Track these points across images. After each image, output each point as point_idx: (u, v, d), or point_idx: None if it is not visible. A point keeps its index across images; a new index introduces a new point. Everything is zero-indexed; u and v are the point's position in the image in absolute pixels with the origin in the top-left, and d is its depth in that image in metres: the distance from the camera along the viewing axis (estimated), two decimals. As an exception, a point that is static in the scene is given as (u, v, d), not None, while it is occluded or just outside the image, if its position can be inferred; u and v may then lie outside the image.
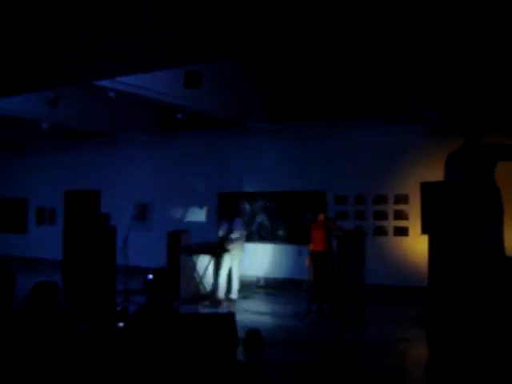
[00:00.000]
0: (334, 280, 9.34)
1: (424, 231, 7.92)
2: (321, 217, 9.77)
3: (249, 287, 12.72)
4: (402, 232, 11.86)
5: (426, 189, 7.98)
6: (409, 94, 9.68)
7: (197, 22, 6.57)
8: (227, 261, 10.91)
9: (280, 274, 13.22)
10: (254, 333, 7.49)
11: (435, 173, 11.07)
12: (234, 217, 11.20)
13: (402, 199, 11.89)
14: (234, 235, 10.88)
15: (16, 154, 17.20)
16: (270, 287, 13.11)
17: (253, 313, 9.98)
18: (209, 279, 11.32)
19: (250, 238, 13.44)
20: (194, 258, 11.07)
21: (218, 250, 10.74)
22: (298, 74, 11.69)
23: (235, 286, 11.00)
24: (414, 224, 11.13)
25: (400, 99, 10.03)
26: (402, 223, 11.88)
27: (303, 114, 12.87)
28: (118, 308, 9.62)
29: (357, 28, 6.85)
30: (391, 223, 12.03)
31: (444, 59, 8.95)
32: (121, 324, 8.21)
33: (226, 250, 10.79)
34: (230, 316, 4.34)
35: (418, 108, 10.55)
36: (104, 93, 9.51)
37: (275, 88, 12.64)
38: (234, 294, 11.00)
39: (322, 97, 12.28)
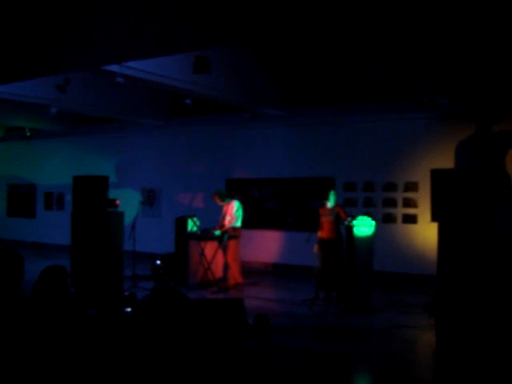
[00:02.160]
0: (343, 267, 9.31)
1: (434, 219, 7.86)
2: (327, 197, 9.56)
3: (257, 274, 12.73)
4: (411, 219, 11.81)
5: (437, 176, 7.89)
6: (420, 81, 9.58)
7: (207, 6, 6.51)
8: (232, 246, 10.91)
9: (288, 260, 13.22)
10: (262, 318, 7.50)
11: (445, 160, 11.01)
12: (230, 200, 11.17)
13: (412, 187, 11.82)
14: (228, 219, 10.89)
15: (24, 139, 17.21)
16: (278, 274, 13.12)
17: (261, 299, 9.99)
18: (217, 265, 11.33)
19: (258, 225, 13.45)
20: (202, 243, 11.06)
21: (223, 236, 10.73)
22: (308, 60, 11.62)
23: (238, 271, 10.99)
24: (423, 212, 11.10)
25: (411, 86, 9.93)
26: (411, 211, 11.83)
27: (312, 100, 12.80)
28: (126, 293, 9.66)
29: (368, 13, 6.77)
30: (400, 210, 11.99)
31: (456, 45, 8.85)
32: (128, 309, 8.24)
33: (232, 236, 10.79)
34: (239, 301, 4.31)
35: (428, 95, 10.46)
36: (112, 78, 9.47)
37: (285, 73, 12.56)
38: (241, 280, 11.01)
39: (332, 83, 12.19)
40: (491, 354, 6.66)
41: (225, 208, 11.09)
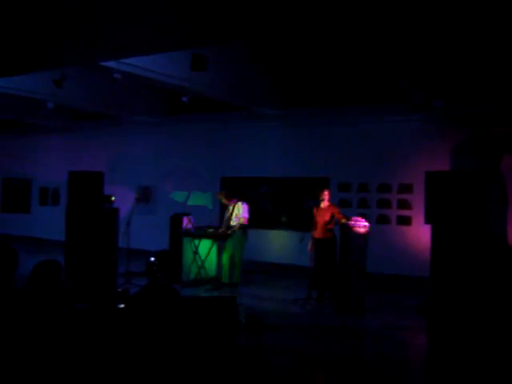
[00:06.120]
0: (336, 267, 9.33)
1: (427, 221, 7.90)
2: (324, 196, 9.59)
3: (251, 272, 12.73)
4: (405, 221, 11.84)
5: (431, 178, 7.95)
6: (415, 83, 9.61)
7: (202, 4, 6.52)
8: (230, 245, 10.92)
9: (282, 259, 13.23)
10: (254, 316, 7.51)
11: (440, 162, 11.02)
12: (238, 201, 11.15)
13: (406, 188, 11.85)
14: (235, 220, 10.89)
15: (20, 134, 17.18)
16: (271, 272, 13.13)
17: (254, 298, 10.00)
18: (211, 263, 11.34)
19: (252, 224, 13.43)
20: (197, 241, 11.06)
21: (220, 235, 10.74)
22: (304, 60, 11.62)
23: (237, 270, 11.02)
24: (418, 213, 11.12)
25: (406, 88, 9.96)
26: (405, 212, 11.86)
27: (309, 100, 12.80)
28: (119, 289, 9.66)
29: (364, 14, 6.79)
30: (394, 212, 12.02)
31: (452, 47, 8.87)
32: (121, 305, 8.23)
33: (228, 235, 10.79)
34: (232, 299, 4.32)
35: (424, 97, 10.49)
36: (110, 74, 9.47)
37: (281, 73, 12.55)
38: (236, 279, 11.02)
39: (328, 84, 12.20)
40: (483, 356, 6.69)
41: (232, 208, 10.97)
